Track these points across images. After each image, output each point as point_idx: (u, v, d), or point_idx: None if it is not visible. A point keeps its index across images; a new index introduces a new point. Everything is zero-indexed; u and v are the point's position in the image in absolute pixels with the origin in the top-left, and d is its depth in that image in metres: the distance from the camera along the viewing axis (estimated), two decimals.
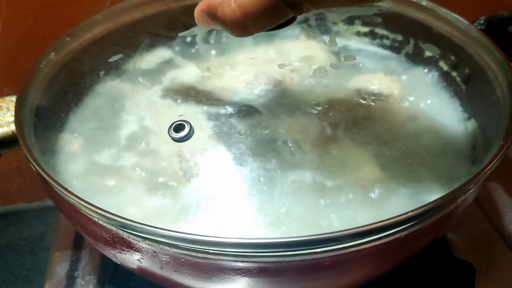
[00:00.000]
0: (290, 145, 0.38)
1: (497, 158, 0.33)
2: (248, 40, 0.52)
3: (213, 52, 0.51)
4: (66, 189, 0.32)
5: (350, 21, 0.53)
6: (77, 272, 0.45)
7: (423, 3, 0.49)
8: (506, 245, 0.47)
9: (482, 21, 0.50)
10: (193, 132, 0.38)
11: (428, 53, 0.49)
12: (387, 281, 0.38)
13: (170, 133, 0.37)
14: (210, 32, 0.51)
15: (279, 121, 0.41)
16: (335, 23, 0.54)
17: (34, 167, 0.34)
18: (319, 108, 0.41)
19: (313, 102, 0.42)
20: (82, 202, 0.31)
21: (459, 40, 0.46)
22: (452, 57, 0.47)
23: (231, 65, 0.49)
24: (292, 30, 0.54)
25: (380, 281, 0.35)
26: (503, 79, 0.41)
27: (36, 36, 0.57)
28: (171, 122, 0.39)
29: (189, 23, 0.50)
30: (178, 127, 0.38)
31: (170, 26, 0.51)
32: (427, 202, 0.30)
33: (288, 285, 0.31)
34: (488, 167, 0.33)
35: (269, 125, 0.41)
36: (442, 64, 0.48)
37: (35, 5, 0.56)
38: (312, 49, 0.49)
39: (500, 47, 0.46)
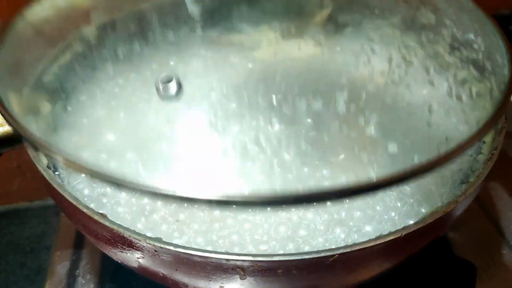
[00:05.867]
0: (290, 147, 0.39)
1: (491, 156, 0.34)
2: (254, 39, 0.53)
3: (214, 53, 0.52)
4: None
5: (353, 21, 0.53)
6: (78, 271, 0.45)
7: None
8: (507, 244, 0.47)
9: None
10: (181, 89, 0.37)
11: (429, 51, 0.49)
12: (387, 280, 0.38)
13: (159, 87, 0.36)
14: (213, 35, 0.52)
15: (281, 120, 0.42)
16: (337, 22, 0.54)
17: (35, 166, 0.34)
18: (318, 108, 0.41)
19: (313, 101, 0.42)
20: (83, 201, 0.31)
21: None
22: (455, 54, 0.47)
23: (234, 65, 0.49)
24: (295, 29, 0.54)
25: (380, 280, 0.35)
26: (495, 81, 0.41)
27: None
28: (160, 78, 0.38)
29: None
30: (167, 82, 0.37)
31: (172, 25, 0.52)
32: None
33: (289, 284, 0.31)
34: (484, 168, 0.33)
35: (269, 123, 0.41)
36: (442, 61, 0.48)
37: None
38: (314, 48, 0.49)
39: None
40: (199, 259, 0.29)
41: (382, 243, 0.29)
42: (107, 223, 0.30)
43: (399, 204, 0.37)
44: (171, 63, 0.48)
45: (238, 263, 0.29)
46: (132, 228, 0.30)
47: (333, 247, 0.29)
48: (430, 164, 0.27)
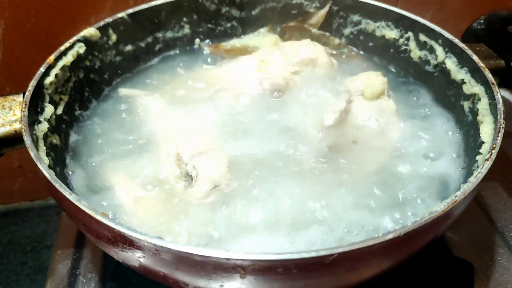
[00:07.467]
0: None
1: (489, 158, 0.34)
2: (254, 43, 0.53)
3: (219, 57, 0.52)
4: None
5: (354, 24, 0.53)
6: (78, 270, 0.45)
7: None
8: (506, 244, 0.47)
9: (482, 20, 0.50)
10: None
11: (425, 60, 0.49)
12: (387, 280, 0.39)
13: None
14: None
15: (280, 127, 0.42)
16: (338, 27, 0.54)
17: (37, 166, 0.34)
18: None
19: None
20: (84, 201, 0.32)
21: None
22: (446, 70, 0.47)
23: (237, 68, 0.49)
24: (296, 32, 0.54)
25: (380, 279, 0.35)
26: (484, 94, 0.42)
27: (38, 36, 0.58)
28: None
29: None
30: None
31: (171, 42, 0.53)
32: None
33: (289, 283, 0.31)
34: (483, 167, 0.34)
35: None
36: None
37: (38, 4, 0.56)
38: (314, 50, 0.49)
39: (500, 46, 0.46)
40: (200, 258, 0.29)
41: (382, 242, 0.29)
42: (108, 222, 0.30)
43: None
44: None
45: (239, 262, 0.29)
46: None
47: (333, 246, 0.29)
48: None
